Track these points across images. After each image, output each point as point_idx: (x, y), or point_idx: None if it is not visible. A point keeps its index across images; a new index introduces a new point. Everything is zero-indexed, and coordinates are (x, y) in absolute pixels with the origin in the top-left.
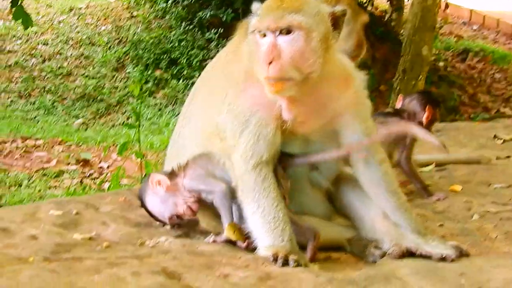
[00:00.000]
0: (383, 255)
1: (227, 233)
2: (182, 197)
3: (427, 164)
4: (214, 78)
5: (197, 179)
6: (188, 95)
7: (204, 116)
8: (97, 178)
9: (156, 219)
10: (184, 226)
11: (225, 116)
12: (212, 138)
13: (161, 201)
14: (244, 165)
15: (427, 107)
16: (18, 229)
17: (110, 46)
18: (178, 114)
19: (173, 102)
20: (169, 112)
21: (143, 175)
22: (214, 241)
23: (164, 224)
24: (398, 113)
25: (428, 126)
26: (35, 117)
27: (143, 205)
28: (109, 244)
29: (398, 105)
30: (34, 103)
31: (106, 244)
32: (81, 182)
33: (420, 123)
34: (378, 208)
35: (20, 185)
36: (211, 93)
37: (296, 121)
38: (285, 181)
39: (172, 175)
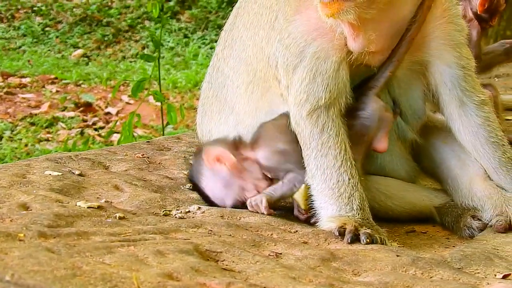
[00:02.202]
0: (483, 227)
1: (298, 196)
2: (251, 180)
3: None
4: None
5: (277, 156)
6: (224, 17)
7: (252, 46)
8: (103, 128)
9: (213, 203)
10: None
11: (276, 46)
12: (264, 75)
13: (223, 184)
14: (297, 112)
15: None
16: (4, 195)
17: None
18: (210, 42)
19: (203, 27)
20: (197, 39)
21: (165, 124)
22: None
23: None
24: None
25: (490, 18)
26: (20, 47)
27: (196, 188)
28: (124, 215)
29: None
30: (18, 28)
31: (120, 215)
32: (82, 133)
33: (477, 16)
34: (477, 166)
35: (0, 138)
36: (258, 15)
37: (366, 52)
38: (391, 114)
39: (234, 146)
